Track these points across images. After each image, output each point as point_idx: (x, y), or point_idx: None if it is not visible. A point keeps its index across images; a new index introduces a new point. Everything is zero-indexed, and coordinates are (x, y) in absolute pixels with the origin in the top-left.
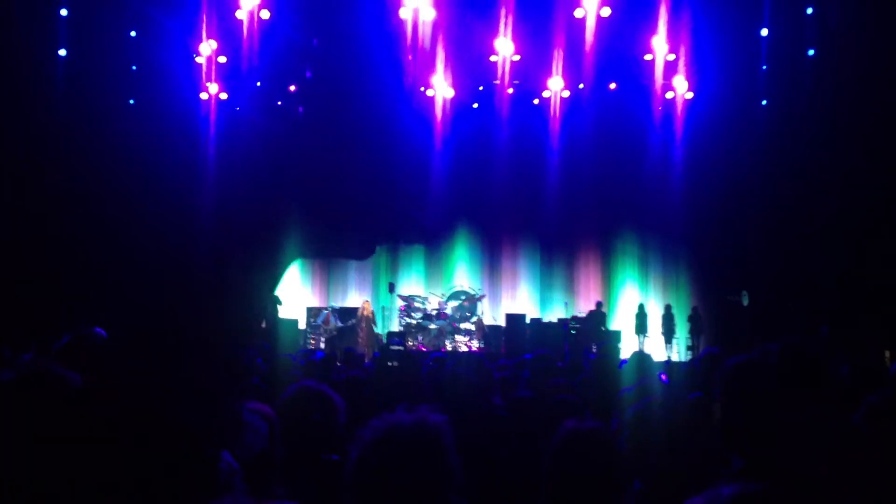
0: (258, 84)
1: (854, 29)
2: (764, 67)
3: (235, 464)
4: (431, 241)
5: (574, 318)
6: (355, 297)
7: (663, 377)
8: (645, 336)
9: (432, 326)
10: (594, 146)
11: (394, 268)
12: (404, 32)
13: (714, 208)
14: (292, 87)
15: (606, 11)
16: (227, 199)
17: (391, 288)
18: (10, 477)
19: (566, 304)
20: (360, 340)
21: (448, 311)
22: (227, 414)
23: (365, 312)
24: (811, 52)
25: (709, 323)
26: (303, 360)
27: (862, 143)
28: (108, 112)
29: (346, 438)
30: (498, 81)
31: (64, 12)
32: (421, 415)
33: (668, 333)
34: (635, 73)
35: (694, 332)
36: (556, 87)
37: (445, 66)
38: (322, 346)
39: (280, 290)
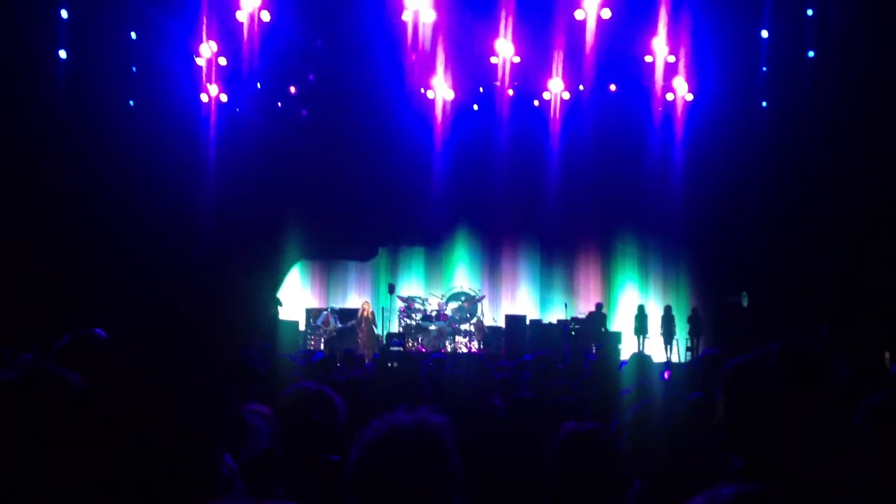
0: (258, 85)
1: (854, 30)
2: (764, 69)
3: (235, 465)
4: (434, 243)
5: (574, 320)
6: (355, 298)
7: (666, 374)
8: (645, 337)
9: (432, 327)
10: (594, 148)
11: (394, 269)
12: (405, 34)
13: (714, 209)
14: (292, 89)
15: (606, 13)
16: (228, 199)
17: (391, 289)
18: (10, 477)
19: (566, 305)
20: (359, 341)
21: (448, 312)
22: (229, 415)
23: (365, 313)
24: (811, 54)
25: (709, 324)
26: (302, 361)
27: (862, 144)
28: (109, 113)
29: (345, 439)
30: (498, 83)
31: (64, 13)
32: (421, 415)
33: (668, 334)
34: (635, 74)
35: (694, 333)
36: (556, 89)
37: (445, 67)
38: (322, 347)
39: (281, 292)
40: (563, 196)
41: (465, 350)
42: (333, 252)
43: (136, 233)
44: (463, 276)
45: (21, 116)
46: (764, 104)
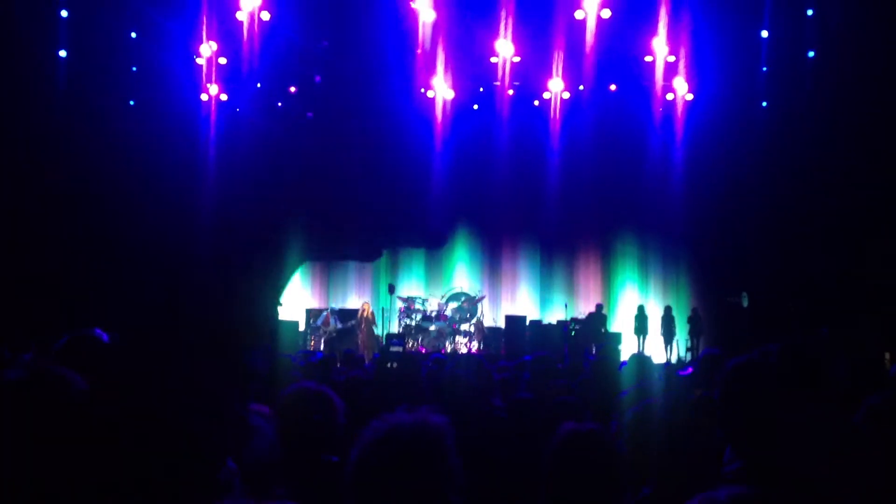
0: (258, 85)
1: (854, 30)
2: (764, 69)
3: (234, 466)
4: (439, 245)
5: (574, 320)
6: (355, 299)
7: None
8: (645, 337)
9: (432, 328)
10: (594, 147)
11: (394, 269)
12: (406, 34)
13: (714, 209)
14: (292, 89)
15: (607, 13)
16: (228, 200)
17: (391, 289)
18: (11, 477)
19: (566, 305)
20: (359, 342)
21: (448, 312)
22: (230, 416)
23: (365, 314)
24: (811, 54)
25: (709, 324)
26: (302, 361)
27: (862, 144)
28: (109, 113)
29: (345, 439)
30: (498, 83)
31: (64, 13)
32: (422, 416)
33: (668, 335)
34: (635, 74)
35: (694, 334)
36: (556, 89)
37: (446, 67)
38: (322, 347)
39: (284, 293)
40: (564, 196)
41: (464, 350)
42: (336, 253)
43: (136, 233)
44: (463, 276)
45: (21, 116)
46: (764, 104)
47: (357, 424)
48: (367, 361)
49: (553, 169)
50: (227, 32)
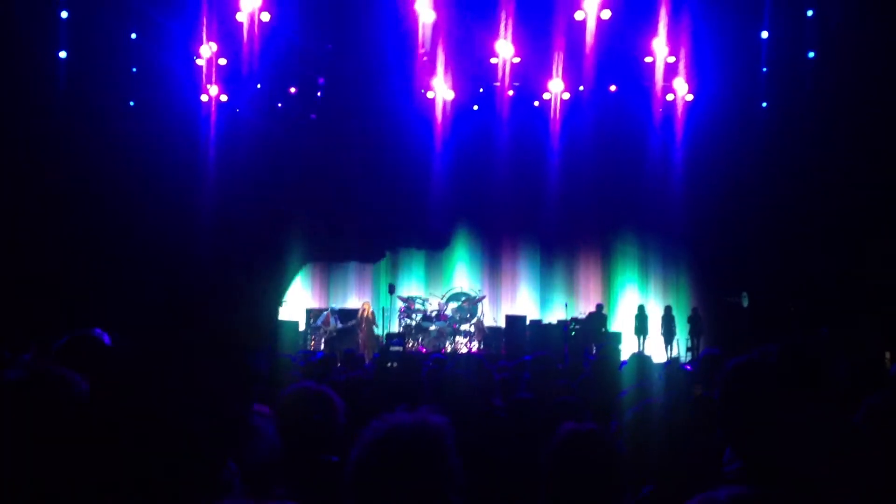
0: (258, 86)
1: (854, 31)
2: (764, 69)
3: (234, 466)
4: (441, 246)
5: (574, 320)
6: (355, 299)
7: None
8: (645, 337)
9: (432, 328)
10: (594, 148)
11: (394, 269)
12: (407, 35)
13: (714, 209)
14: (293, 90)
15: (606, 14)
16: (228, 200)
17: (391, 289)
18: (12, 477)
19: (566, 305)
20: (360, 342)
21: (448, 312)
22: (232, 416)
23: (365, 314)
24: (811, 55)
25: (709, 324)
26: (302, 361)
27: (862, 144)
28: (109, 113)
29: (345, 439)
30: (498, 83)
31: (64, 14)
32: (422, 416)
33: (668, 334)
34: (635, 75)
35: (694, 334)
36: (556, 89)
37: (446, 68)
38: (322, 347)
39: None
40: (564, 196)
41: (465, 350)
42: (338, 254)
43: (136, 233)
44: (463, 276)
45: (21, 117)
46: (764, 105)
47: (357, 424)
48: (367, 361)
49: (553, 169)
50: (227, 33)
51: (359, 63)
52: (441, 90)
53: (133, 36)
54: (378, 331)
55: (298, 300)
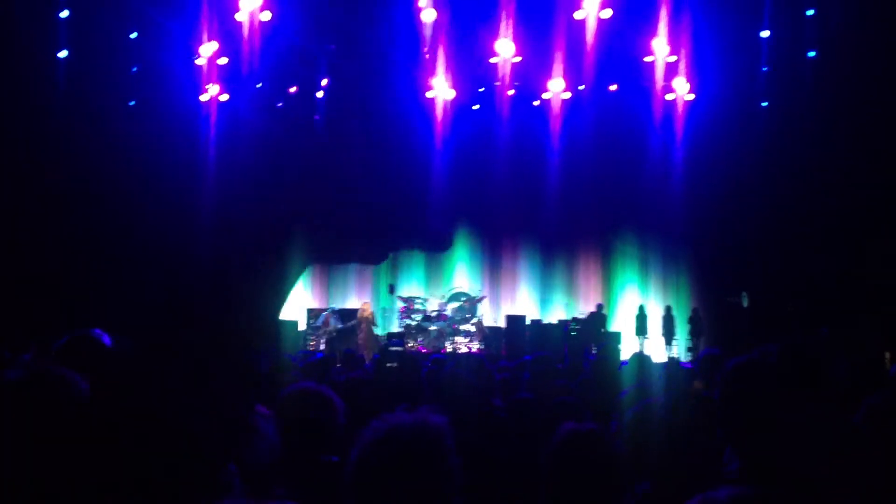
0: (259, 86)
1: (854, 30)
2: (764, 69)
3: (234, 466)
4: (444, 248)
5: (574, 320)
6: (355, 299)
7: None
8: (645, 337)
9: (432, 328)
10: (595, 148)
11: (394, 269)
12: (408, 35)
13: (714, 209)
14: (293, 89)
15: (607, 13)
16: (229, 200)
17: (391, 289)
18: (12, 477)
19: (566, 305)
20: (360, 342)
21: (448, 312)
22: (232, 416)
23: (365, 314)
24: (812, 54)
25: (709, 324)
26: (302, 362)
27: (862, 144)
28: (109, 113)
29: (345, 439)
30: (498, 83)
31: (64, 13)
32: (422, 415)
33: (668, 335)
34: (636, 74)
35: (694, 334)
36: (556, 89)
37: (446, 67)
38: (322, 347)
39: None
40: (564, 196)
41: (465, 350)
42: (341, 256)
43: (136, 233)
44: (463, 276)
45: (21, 117)
46: (764, 104)
47: (357, 424)
48: (367, 362)
49: (553, 169)
50: (228, 33)
51: (360, 63)
52: (441, 90)
53: (133, 35)
54: (378, 331)
55: (298, 300)
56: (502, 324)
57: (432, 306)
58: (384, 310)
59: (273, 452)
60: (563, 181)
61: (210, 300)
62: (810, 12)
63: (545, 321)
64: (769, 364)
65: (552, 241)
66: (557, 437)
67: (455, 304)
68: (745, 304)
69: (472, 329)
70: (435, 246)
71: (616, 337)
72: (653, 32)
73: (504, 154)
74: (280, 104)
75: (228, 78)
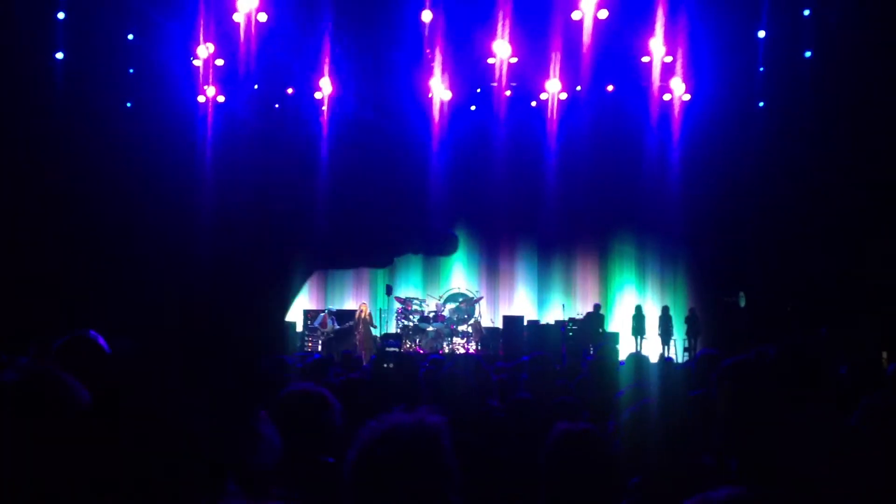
0: (255, 87)
1: (851, 30)
2: (761, 69)
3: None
4: (451, 250)
5: (572, 320)
6: (353, 300)
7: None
8: (642, 338)
9: (430, 329)
10: (592, 148)
11: (391, 270)
12: (411, 35)
13: (711, 209)
14: (290, 90)
15: (604, 14)
16: (227, 201)
17: (389, 290)
18: (11, 477)
19: (564, 305)
20: (357, 343)
21: (445, 313)
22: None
23: (363, 315)
24: (808, 54)
25: (706, 324)
26: (299, 363)
27: (860, 144)
28: (107, 114)
29: (342, 440)
30: (495, 84)
31: (61, 15)
32: (419, 416)
33: (666, 335)
34: (633, 75)
35: (691, 334)
36: (553, 90)
37: (443, 68)
38: (319, 348)
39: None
40: (561, 197)
41: (462, 351)
42: (344, 262)
43: (135, 233)
44: (460, 277)
45: (20, 117)
46: (761, 104)
47: (355, 425)
48: (365, 363)
49: (550, 170)
50: (225, 34)
51: (359, 63)
52: (438, 90)
53: (130, 37)
54: (376, 332)
55: (296, 302)
56: (500, 324)
57: (430, 307)
58: (381, 311)
59: (274, 454)
60: (560, 182)
61: (210, 300)
62: (807, 12)
63: (543, 322)
64: (764, 364)
65: (550, 241)
66: (552, 436)
67: (452, 305)
68: (742, 304)
69: (470, 330)
70: (440, 249)
71: (614, 337)
72: (649, 33)
73: (501, 155)
74: (277, 105)
75: (225, 79)
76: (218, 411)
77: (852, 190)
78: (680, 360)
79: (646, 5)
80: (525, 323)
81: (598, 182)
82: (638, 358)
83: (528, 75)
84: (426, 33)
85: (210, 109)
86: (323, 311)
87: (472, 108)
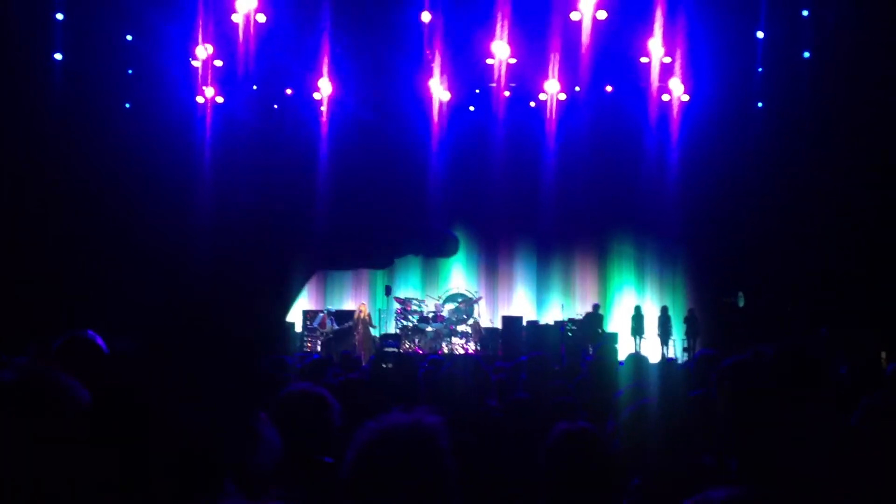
0: (254, 88)
1: (849, 30)
2: (760, 69)
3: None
4: (448, 253)
5: (571, 321)
6: (352, 300)
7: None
8: (641, 338)
9: (429, 329)
10: (590, 148)
11: (390, 270)
12: (410, 35)
13: (710, 210)
14: (289, 91)
15: (602, 14)
16: (227, 201)
17: (388, 291)
18: (10, 477)
19: (563, 306)
20: (356, 343)
21: (444, 313)
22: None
23: (362, 315)
24: (807, 54)
25: (705, 324)
26: (299, 364)
27: (858, 144)
28: (106, 115)
29: (341, 441)
30: (494, 84)
31: (60, 16)
32: (417, 416)
33: (665, 335)
34: (631, 75)
35: (690, 334)
36: (552, 90)
37: (442, 69)
38: (318, 349)
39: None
40: (560, 197)
41: (461, 351)
42: (344, 263)
43: (135, 233)
44: (459, 277)
45: (20, 118)
46: (760, 105)
47: (354, 426)
48: (364, 363)
49: (549, 170)
50: (223, 35)
51: (359, 63)
52: (437, 91)
53: (129, 37)
54: (375, 332)
55: (295, 302)
56: (499, 325)
57: (429, 308)
58: (381, 311)
59: (273, 455)
60: (559, 182)
61: (210, 300)
62: (805, 13)
63: (542, 322)
64: (762, 364)
65: (549, 241)
66: (551, 436)
67: (452, 306)
68: (741, 304)
69: (469, 330)
70: (441, 251)
71: (613, 337)
72: (648, 33)
73: (500, 155)
74: (276, 105)
75: (224, 80)
76: (217, 411)
77: (851, 190)
78: (679, 361)
79: (644, 6)
80: (524, 323)
81: (597, 182)
82: (637, 358)
83: (526, 76)
84: (425, 34)
85: (209, 110)
86: (322, 312)
87: (471, 108)
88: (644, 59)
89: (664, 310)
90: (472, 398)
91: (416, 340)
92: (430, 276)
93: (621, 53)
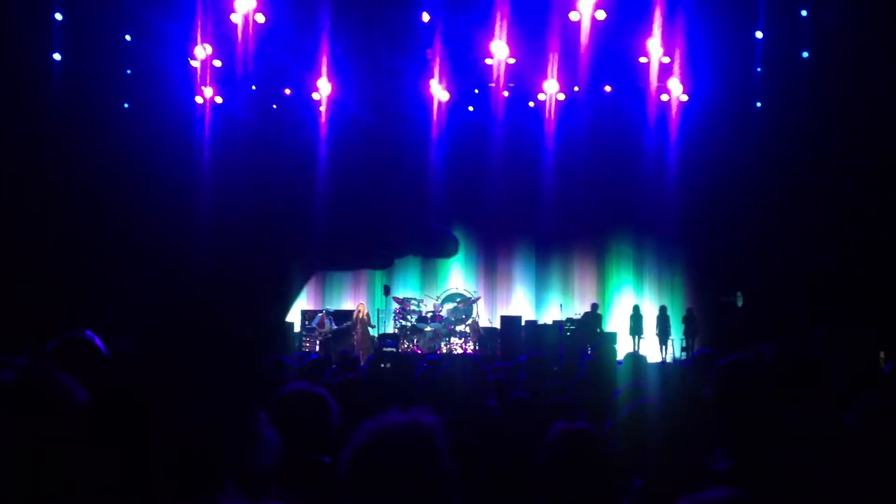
0: (253, 88)
1: (848, 30)
2: (758, 70)
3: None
4: (451, 252)
5: (569, 320)
6: (350, 300)
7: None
8: (640, 337)
9: (427, 329)
10: (589, 149)
11: (389, 270)
12: (410, 36)
13: (709, 209)
14: (288, 91)
15: (601, 14)
16: (226, 201)
17: (387, 290)
18: (10, 477)
19: (561, 305)
20: (355, 343)
21: (443, 313)
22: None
23: (360, 315)
24: (806, 55)
25: (704, 324)
26: (297, 364)
27: (857, 144)
28: (105, 115)
29: (339, 440)
30: (493, 84)
31: (59, 16)
32: (414, 416)
33: (663, 335)
34: (630, 75)
35: (689, 334)
36: (551, 90)
37: (441, 69)
38: (317, 349)
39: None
40: (559, 197)
41: (460, 351)
42: (343, 263)
43: (135, 233)
44: (458, 277)
45: (19, 118)
46: (758, 105)
47: (352, 426)
48: (362, 363)
49: (548, 170)
50: (222, 35)
51: (359, 64)
52: (436, 91)
53: (128, 38)
54: (373, 332)
55: (294, 302)
56: (497, 325)
57: (428, 307)
58: (379, 311)
59: (272, 454)
60: (558, 182)
61: (209, 300)
62: (804, 13)
63: (540, 322)
64: (759, 364)
65: (547, 241)
66: (550, 436)
67: (450, 306)
68: (740, 303)
69: (468, 330)
70: (441, 251)
71: (611, 337)
72: (647, 33)
73: (499, 155)
74: (275, 106)
75: (223, 80)
76: (217, 411)
77: (850, 190)
78: (678, 360)
79: (643, 6)
80: (523, 323)
81: (595, 182)
82: (636, 358)
83: (525, 76)
84: (424, 34)
85: (208, 110)
86: (321, 312)
87: (471, 108)
88: (643, 60)
89: (663, 309)
90: (471, 398)
91: (415, 340)
92: (429, 275)
93: (620, 53)
